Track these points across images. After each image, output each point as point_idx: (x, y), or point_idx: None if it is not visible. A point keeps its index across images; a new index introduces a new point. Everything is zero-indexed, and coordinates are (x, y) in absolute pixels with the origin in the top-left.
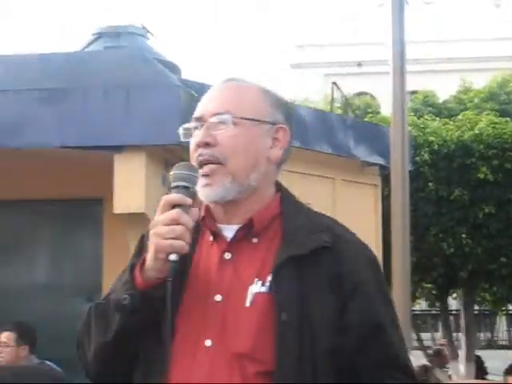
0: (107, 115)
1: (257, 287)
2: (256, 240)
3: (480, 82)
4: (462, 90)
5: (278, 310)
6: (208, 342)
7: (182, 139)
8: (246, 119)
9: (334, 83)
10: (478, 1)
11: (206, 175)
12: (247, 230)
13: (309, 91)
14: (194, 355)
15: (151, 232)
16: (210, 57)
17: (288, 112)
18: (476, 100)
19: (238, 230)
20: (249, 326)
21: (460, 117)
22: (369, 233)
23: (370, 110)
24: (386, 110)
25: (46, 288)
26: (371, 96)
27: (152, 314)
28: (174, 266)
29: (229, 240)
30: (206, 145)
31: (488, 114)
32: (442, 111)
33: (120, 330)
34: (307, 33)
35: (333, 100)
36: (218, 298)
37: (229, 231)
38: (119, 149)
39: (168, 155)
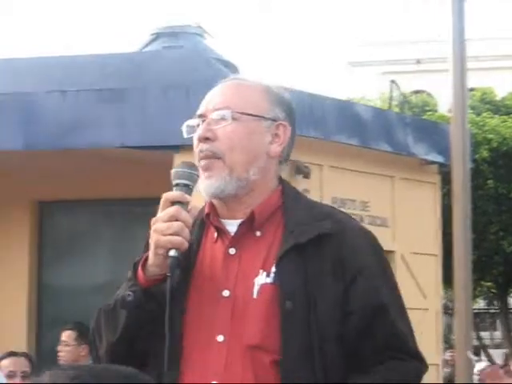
0: (167, 115)
1: (262, 278)
2: (259, 233)
3: None
4: None
5: (282, 299)
6: (220, 338)
7: (185, 135)
8: (245, 114)
9: (393, 81)
10: None
11: (204, 169)
12: (249, 224)
13: (365, 89)
14: (208, 351)
15: (151, 229)
16: (268, 55)
17: (290, 109)
18: None
19: (240, 224)
20: (257, 317)
21: None
22: (428, 231)
23: (427, 108)
24: (443, 107)
25: (105, 287)
26: (428, 94)
27: (157, 309)
28: (173, 262)
29: (232, 235)
30: (206, 139)
31: None
32: (500, 108)
33: (126, 327)
34: (365, 31)
35: (391, 98)
36: (226, 293)
37: (232, 226)
38: (179, 148)
39: None
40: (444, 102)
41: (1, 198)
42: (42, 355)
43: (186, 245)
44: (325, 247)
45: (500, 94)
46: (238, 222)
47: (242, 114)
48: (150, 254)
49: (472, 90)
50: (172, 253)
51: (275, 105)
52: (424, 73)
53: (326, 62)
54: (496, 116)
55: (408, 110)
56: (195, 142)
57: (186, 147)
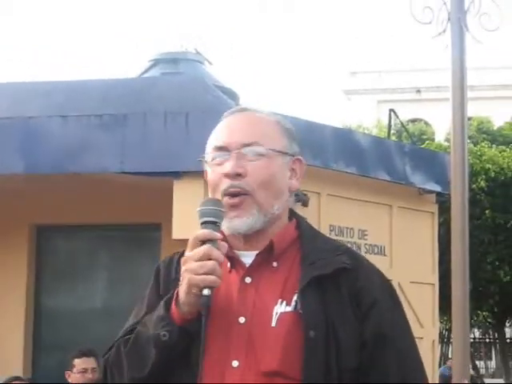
0: (167, 141)
1: (282, 307)
2: (276, 264)
3: None
4: None
5: (305, 327)
6: (235, 363)
7: (206, 168)
8: (272, 150)
9: (392, 110)
10: None
11: (234, 206)
12: (266, 255)
13: (361, 117)
14: (223, 377)
15: (183, 268)
16: (266, 83)
17: (298, 143)
18: None
19: (257, 254)
20: (276, 345)
21: None
22: (426, 260)
23: (425, 137)
24: (440, 136)
25: (103, 312)
26: (425, 123)
27: (186, 346)
28: (207, 301)
29: (248, 265)
30: (238, 175)
31: None
32: (497, 138)
33: (157, 364)
34: (359, 60)
35: (390, 127)
36: (242, 320)
37: (247, 258)
38: (178, 175)
39: None
40: (440, 132)
41: None
42: (37, 380)
43: (219, 283)
44: (341, 281)
45: (496, 123)
46: (253, 253)
47: (271, 150)
48: (182, 293)
49: (469, 119)
50: (206, 292)
51: (291, 140)
52: (419, 102)
53: (321, 90)
54: (493, 146)
55: (406, 138)
56: (217, 176)
57: (186, 174)
